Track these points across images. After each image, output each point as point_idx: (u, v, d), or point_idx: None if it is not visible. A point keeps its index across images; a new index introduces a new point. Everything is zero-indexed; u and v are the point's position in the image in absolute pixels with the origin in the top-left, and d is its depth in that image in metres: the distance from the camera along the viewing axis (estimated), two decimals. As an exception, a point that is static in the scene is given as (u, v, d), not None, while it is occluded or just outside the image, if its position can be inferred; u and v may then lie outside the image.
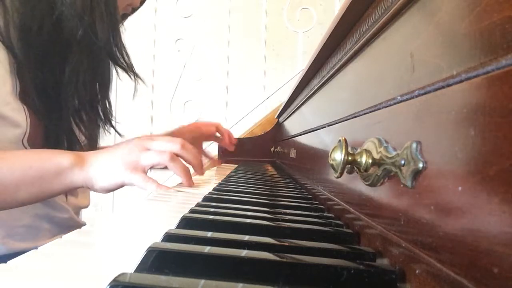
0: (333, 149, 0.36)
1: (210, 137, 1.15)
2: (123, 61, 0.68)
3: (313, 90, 0.75)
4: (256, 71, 2.08)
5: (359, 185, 0.38)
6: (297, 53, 1.98)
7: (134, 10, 0.80)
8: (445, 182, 0.22)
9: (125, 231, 0.40)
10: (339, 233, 0.38)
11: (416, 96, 0.27)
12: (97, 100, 0.70)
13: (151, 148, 0.61)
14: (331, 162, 0.36)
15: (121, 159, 0.58)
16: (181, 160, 0.65)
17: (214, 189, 0.64)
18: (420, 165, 0.24)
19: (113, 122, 0.75)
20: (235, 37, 2.06)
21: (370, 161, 0.33)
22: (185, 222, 0.37)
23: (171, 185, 0.68)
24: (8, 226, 0.64)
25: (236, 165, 1.40)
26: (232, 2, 1.95)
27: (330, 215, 0.48)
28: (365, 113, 0.39)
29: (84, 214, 0.86)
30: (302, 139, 0.88)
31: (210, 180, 0.88)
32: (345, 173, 0.40)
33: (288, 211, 0.48)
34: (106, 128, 0.74)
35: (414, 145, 0.25)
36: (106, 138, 0.79)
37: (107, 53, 0.65)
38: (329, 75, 0.59)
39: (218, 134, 1.15)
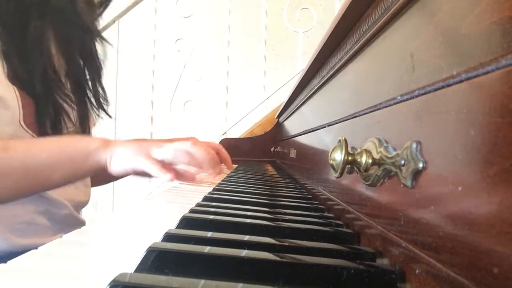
0: (333, 149, 0.36)
1: None
2: (87, 26, 0.70)
3: (313, 90, 0.75)
4: (256, 71, 2.08)
5: (359, 185, 0.38)
6: (297, 53, 1.98)
7: None
8: (445, 182, 0.22)
9: (125, 231, 0.40)
10: (339, 233, 0.38)
11: (416, 96, 0.27)
12: (85, 80, 0.73)
13: (164, 146, 0.66)
14: (331, 162, 0.36)
15: (137, 146, 0.64)
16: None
17: (214, 189, 0.64)
18: (420, 165, 0.24)
19: (104, 106, 0.78)
20: (235, 37, 2.06)
21: (370, 161, 0.33)
22: (185, 222, 0.37)
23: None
24: (8, 222, 0.64)
25: (236, 165, 1.40)
26: (232, 2, 1.95)
27: (330, 215, 0.48)
28: (365, 113, 0.39)
29: (84, 214, 0.86)
30: (302, 139, 0.88)
31: (210, 180, 0.88)
32: (345, 173, 0.40)
33: (288, 211, 0.48)
34: (96, 110, 0.77)
35: (414, 145, 0.25)
36: (106, 133, 0.80)
37: (69, 18, 0.68)
38: (329, 75, 0.59)
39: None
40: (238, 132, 1.97)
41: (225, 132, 1.90)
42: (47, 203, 0.69)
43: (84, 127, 0.74)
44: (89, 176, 0.70)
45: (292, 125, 1.16)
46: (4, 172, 0.55)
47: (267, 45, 1.98)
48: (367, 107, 0.38)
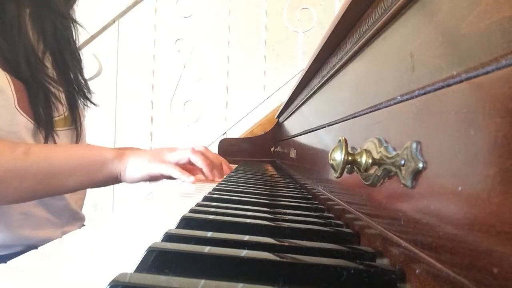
0: (333, 149, 0.36)
1: None
2: (60, 10, 0.72)
3: (313, 90, 0.75)
4: (256, 71, 2.08)
5: (359, 185, 0.38)
6: (297, 53, 1.98)
7: None
8: (445, 182, 0.22)
9: (125, 231, 0.40)
10: (339, 233, 0.38)
11: (416, 96, 0.27)
12: (67, 67, 0.76)
13: (176, 151, 0.71)
14: (331, 162, 0.36)
15: (149, 154, 0.68)
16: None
17: (214, 189, 0.64)
18: (420, 165, 0.24)
19: (88, 95, 0.81)
20: (235, 37, 2.06)
21: (370, 161, 0.33)
22: (185, 222, 0.37)
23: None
24: (4, 213, 0.65)
25: (236, 165, 1.40)
26: (232, 2, 1.95)
27: (330, 215, 0.48)
28: (365, 113, 0.39)
29: (84, 214, 0.86)
30: (302, 139, 0.88)
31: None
32: (345, 173, 0.40)
33: (288, 211, 0.48)
34: (82, 99, 0.80)
35: (414, 145, 0.25)
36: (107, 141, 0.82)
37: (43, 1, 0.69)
38: (329, 75, 0.59)
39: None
40: (238, 132, 1.97)
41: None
42: None
43: (74, 114, 0.76)
44: (102, 185, 0.72)
45: (292, 125, 1.16)
46: (23, 177, 0.56)
47: (267, 45, 1.98)
48: (367, 107, 0.38)
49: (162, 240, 0.31)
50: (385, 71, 0.35)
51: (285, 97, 1.24)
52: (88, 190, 0.85)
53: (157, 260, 0.26)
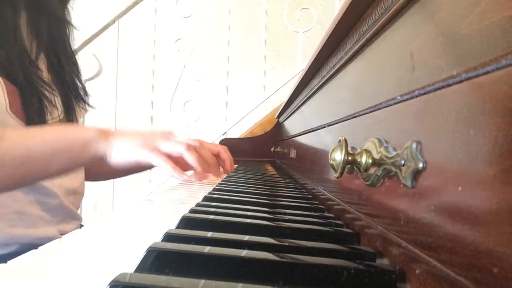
0: (333, 149, 0.36)
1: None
2: (55, 12, 0.72)
3: (313, 90, 0.75)
4: (256, 71, 2.08)
5: (359, 185, 0.38)
6: (297, 53, 1.98)
7: None
8: (445, 182, 0.22)
9: (125, 231, 0.40)
10: (339, 233, 0.38)
11: (416, 96, 0.27)
12: (63, 71, 0.75)
13: (171, 139, 0.65)
14: (331, 162, 0.36)
15: (142, 138, 0.63)
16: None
17: (214, 189, 0.64)
18: (420, 165, 0.24)
19: (86, 98, 0.79)
20: (235, 37, 2.06)
21: (370, 161, 0.33)
22: (185, 222, 0.37)
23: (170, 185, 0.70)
24: None
25: (236, 165, 1.40)
26: (232, 2, 1.95)
27: (330, 215, 0.48)
28: (365, 113, 0.39)
29: (84, 214, 0.86)
30: (302, 139, 0.88)
31: (210, 180, 0.88)
32: (345, 173, 0.40)
33: (288, 211, 0.48)
34: (79, 102, 0.79)
35: (414, 145, 0.25)
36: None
37: (38, 2, 0.69)
38: (329, 75, 0.59)
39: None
40: (238, 132, 1.97)
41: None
42: (36, 192, 0.69)
43: (70, 117, 0.75)
44: (87, 165, 0.70)
45: (292, 125, 1.16)
46: None
47: (267, 45, 1.98)
48: (367, 107, 0.38)
49: (162, 240, 0.31)
50: (385, 71, 0.35)
51: (285, 97, 1.24)
52: (88, 190, 0.84)
53: (157, 260, 0.26)
